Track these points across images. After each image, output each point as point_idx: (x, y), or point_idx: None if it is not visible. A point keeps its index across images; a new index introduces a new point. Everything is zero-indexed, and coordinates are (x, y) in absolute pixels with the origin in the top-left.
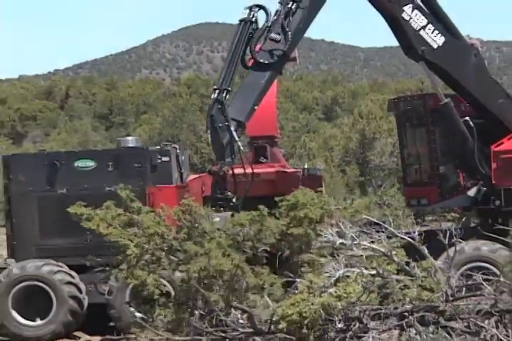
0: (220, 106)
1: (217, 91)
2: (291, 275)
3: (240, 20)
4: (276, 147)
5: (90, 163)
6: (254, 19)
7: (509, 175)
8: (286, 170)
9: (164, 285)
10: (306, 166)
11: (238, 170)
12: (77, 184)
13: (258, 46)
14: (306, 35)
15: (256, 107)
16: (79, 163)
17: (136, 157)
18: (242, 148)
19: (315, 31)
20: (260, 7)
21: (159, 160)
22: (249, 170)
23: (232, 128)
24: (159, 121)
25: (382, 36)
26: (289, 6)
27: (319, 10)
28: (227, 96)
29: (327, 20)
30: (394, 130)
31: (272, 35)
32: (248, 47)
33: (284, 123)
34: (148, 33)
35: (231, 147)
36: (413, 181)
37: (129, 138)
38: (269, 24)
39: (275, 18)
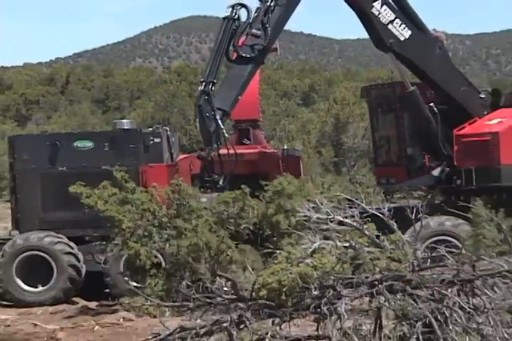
0: (206, 97)
1: (204, 84)
2: (271, 246)
3: (224, 18)
4: (258, 130)
5: (88, 144)
6: (236, 16)
7: (469, 157)
8: (267, 150)
9: (156, 257)
10: (285, 147)
11: (223, 151)
12: (76, 162)
13: (241, 40)
14: (286, 27)
15: (240, 97)
16: (78, 144)
17: (131, 138)
18: (226, 135)
19: (294, 24)
20: (242, 5)
21: (151, 141)
22: (233, 153)
23: (218, 117)
24: (152, 105)
25: (356, 29)
26: (268, 3)
27: (296, 7)
28: (213, 88)
29: (306, 14)
30: (366, 115)
31: (253, 31)
32: (232, 42)
33: (265, 108)
34: (142, 25)
35: (217, 134)
36: (383, 162)
37: (124, 120)
38: (251, 21)
39: (256, 15)
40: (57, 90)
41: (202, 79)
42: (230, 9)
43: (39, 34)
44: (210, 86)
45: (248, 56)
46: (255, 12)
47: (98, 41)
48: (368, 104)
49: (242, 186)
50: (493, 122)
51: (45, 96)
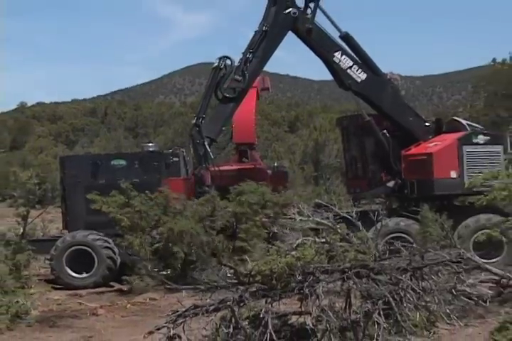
0: (197, 129)
1: (196, 118)
2: (266, 242)
3: (213, 68)
4: (254, 151)
5: (122, 162)
6: (222, 66)
7: (412, 172)
8: (261, 167)
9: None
10: (275, 164)
11: (223, 168)
12: (113, 177)
13: (226, 84)
14: (276, 71)
15: (224, 128)
16: (114, 162)
17: (155, 158)
18: (212, 157)
19: (282, 68)
20: (227, 57)
21: (171, 160)
22: (219, 170)
23: (206, 143)
24: (171, 132)
25: None
26: (247, 55)
27: (269, 58)
28: (203, 121)
29: (291, 60)
30: (339, 139)
31: (235, 76)
32: (218, 86)
33: (260, 134)
34: (163, 70)
35: (205, 156)
36: (351, 176)
37: (150, 144)
38: (234, 69)
39: (238, 64)
40: (98, 120)
41: (194, 115)
42: (218, 60)
43: (84, 77)
44: (200, 120)
45: (230, 96)
46: (238, 62)
47: (130, 82)
48: (340, 131)
49: (213, 191)
50: (431, 145)
51: (89, 125)
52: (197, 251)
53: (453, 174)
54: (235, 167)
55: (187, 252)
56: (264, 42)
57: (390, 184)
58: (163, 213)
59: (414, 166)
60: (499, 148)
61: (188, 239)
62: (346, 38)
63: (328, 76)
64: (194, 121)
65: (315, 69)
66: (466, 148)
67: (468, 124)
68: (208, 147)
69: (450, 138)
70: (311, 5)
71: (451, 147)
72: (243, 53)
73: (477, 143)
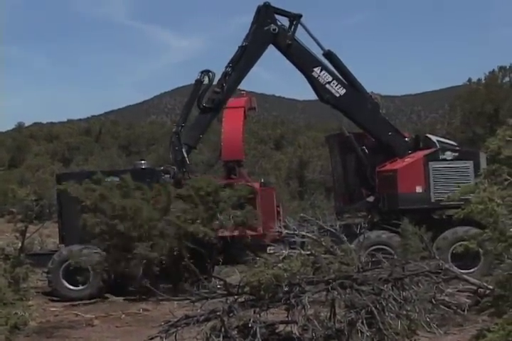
0: (177, 136)
1: (175, 126)
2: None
3: (195, 80)
4: (242, 167)
5: (116, 179)
6: (203, 80)
7: (383, 187)
8: (248, 183)
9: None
10: (262, 180)
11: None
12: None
13: (207, 95)
14: (262, 91)
15: (201, 136)
16: (108, 179)
17: (147, 174)
18: (188, 162)
19: (268, 89)
20: (208, 71)
21: (163, 177)
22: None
23: (184, 150)
24: (163, 150)
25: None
26: (227, 69)
27: (247, 72)
28: (182, 130)
29: (277, 81)
30: (322, 156)
31: (215, 89)
32: (199, 97)
33: (247, 151)
34: (155, 91)
35: (182, 162)
36: (337, 191)
37: (142, 161)
38: (215, 81)
39: (219, 77)
40: (92, 139)
41: (175, 124)
42: (200, 74)
43: (79, 98)
44: (180, 128)
45: (209, 107)
46: (220, 75)
47: (123, 103)
48: (328, 149)
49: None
50: (401, 161)
51: (84, 144)
52: (143, 228)
53: (418, 189)
54: (223, 182)
55: (129, 229)
56: (243, 57)
57: (370, 199)
58: (133, 224)
59: (384, 182)
60: (468, 164)
61: (137, 217)
62: (329, 55)
63: (311, 96)
64: (174, 129)
65: (299, 90)
66: (433, 164)
67: (438, 141)
68: (185, 153)
69: (418, 154)
70: (295, 22)
71: (417, 163)
72: (225, 67)
73: (444, 159)
